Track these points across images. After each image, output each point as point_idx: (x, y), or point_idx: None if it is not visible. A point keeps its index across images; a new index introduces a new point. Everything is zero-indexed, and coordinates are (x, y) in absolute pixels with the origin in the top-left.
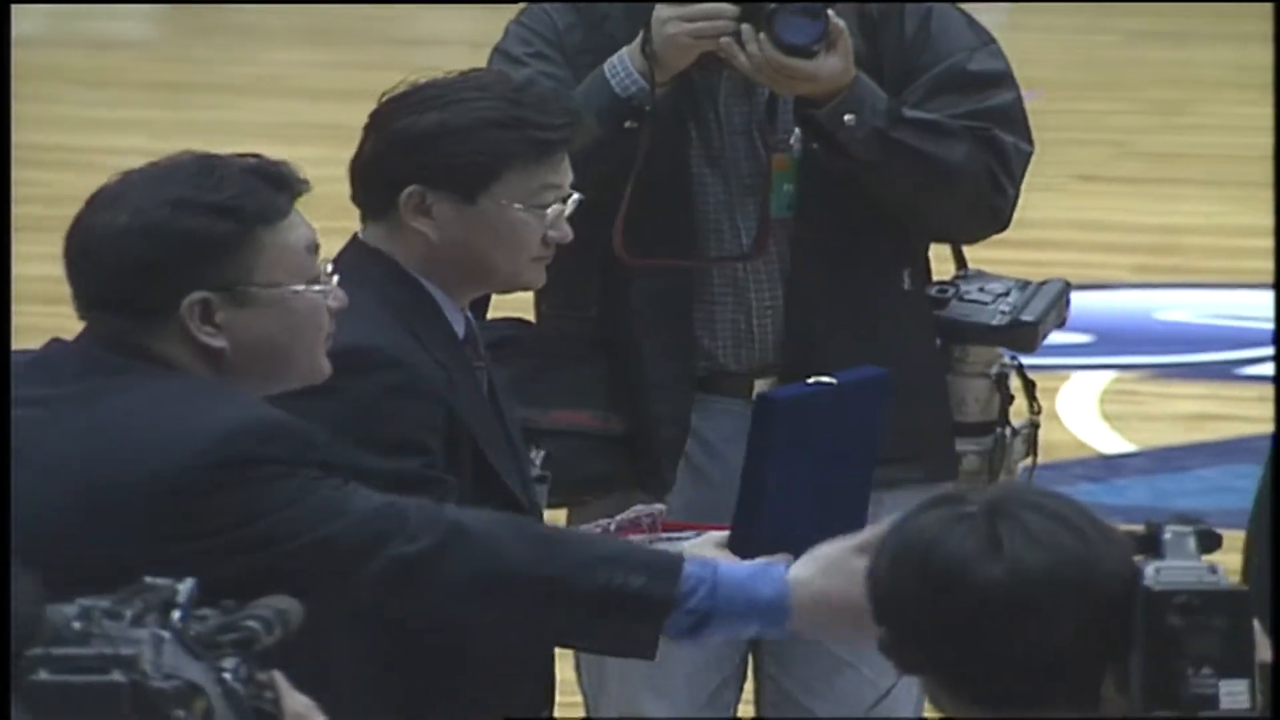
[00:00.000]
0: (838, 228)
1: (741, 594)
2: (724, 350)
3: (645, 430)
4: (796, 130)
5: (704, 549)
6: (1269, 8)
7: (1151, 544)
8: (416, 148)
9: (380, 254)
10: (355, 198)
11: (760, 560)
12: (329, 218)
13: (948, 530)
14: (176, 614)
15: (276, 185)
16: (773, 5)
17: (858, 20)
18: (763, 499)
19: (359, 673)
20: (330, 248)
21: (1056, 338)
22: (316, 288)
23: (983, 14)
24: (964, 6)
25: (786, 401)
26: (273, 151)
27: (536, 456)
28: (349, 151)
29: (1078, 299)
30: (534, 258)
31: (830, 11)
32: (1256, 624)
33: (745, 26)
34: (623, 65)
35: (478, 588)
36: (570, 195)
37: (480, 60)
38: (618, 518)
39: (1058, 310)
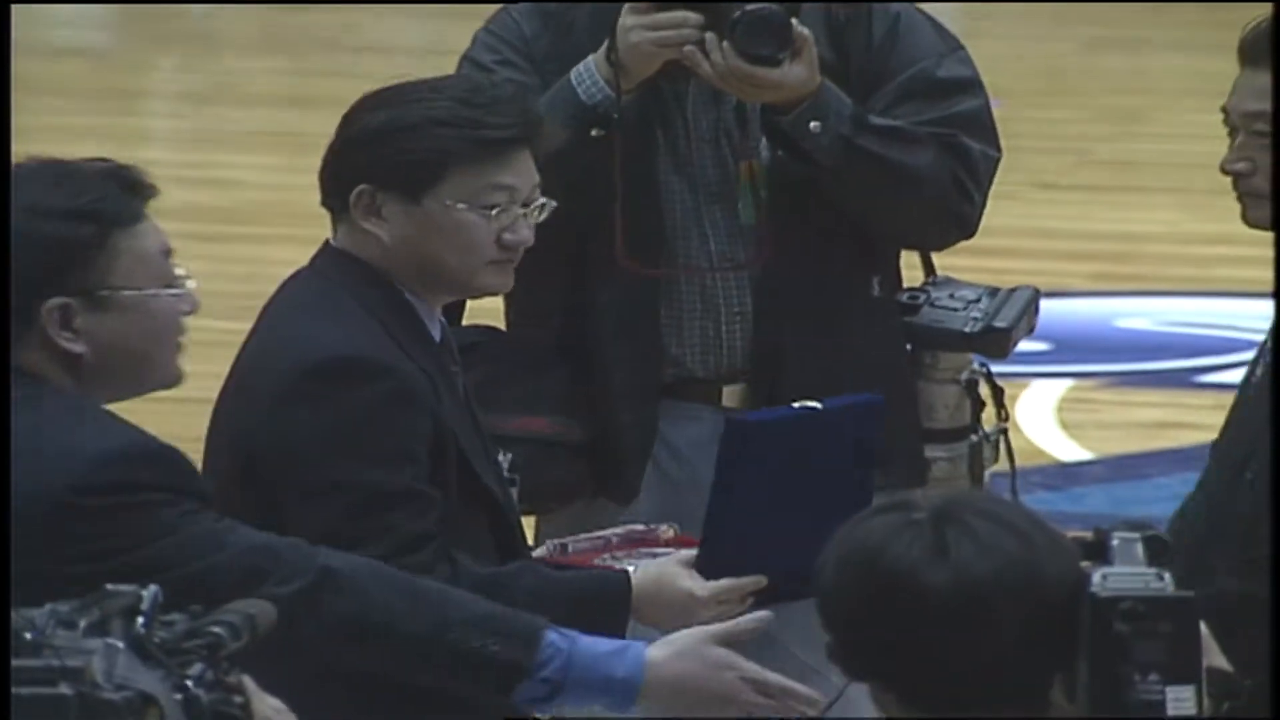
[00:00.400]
0: (806, 234)
1: (595, 670)
2: (692, 357)
3: (611, 437)
4: (764, 138)
5: (668, 566)
6: (1227, 15)
7: (1099, 550)
8: (365, 146)
9: (351, 256)
10: (323, 201)
11: (627, 636)
12: (287, 225)
13: (894, 536)
14: (139, 620)
15: (131, 189)
16: (737, 13)
17: (824, 26)
18: (729, 520)
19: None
20: (287, 254)
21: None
22: (172, 291)
23: (941, 20)
24: (927, 8)
25: (756, 426)
26: (228, 159)
27: (505, 460)
28: (306, 159)
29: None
30: (490, 261)
31: (794, 20)
32: (1205, 630)
33: (709, 35)
34: (588, 73)
35: (345, 633)
36: (532, 199)
37: (434, 66)
38: (615, 530)
39: (1028, 317)
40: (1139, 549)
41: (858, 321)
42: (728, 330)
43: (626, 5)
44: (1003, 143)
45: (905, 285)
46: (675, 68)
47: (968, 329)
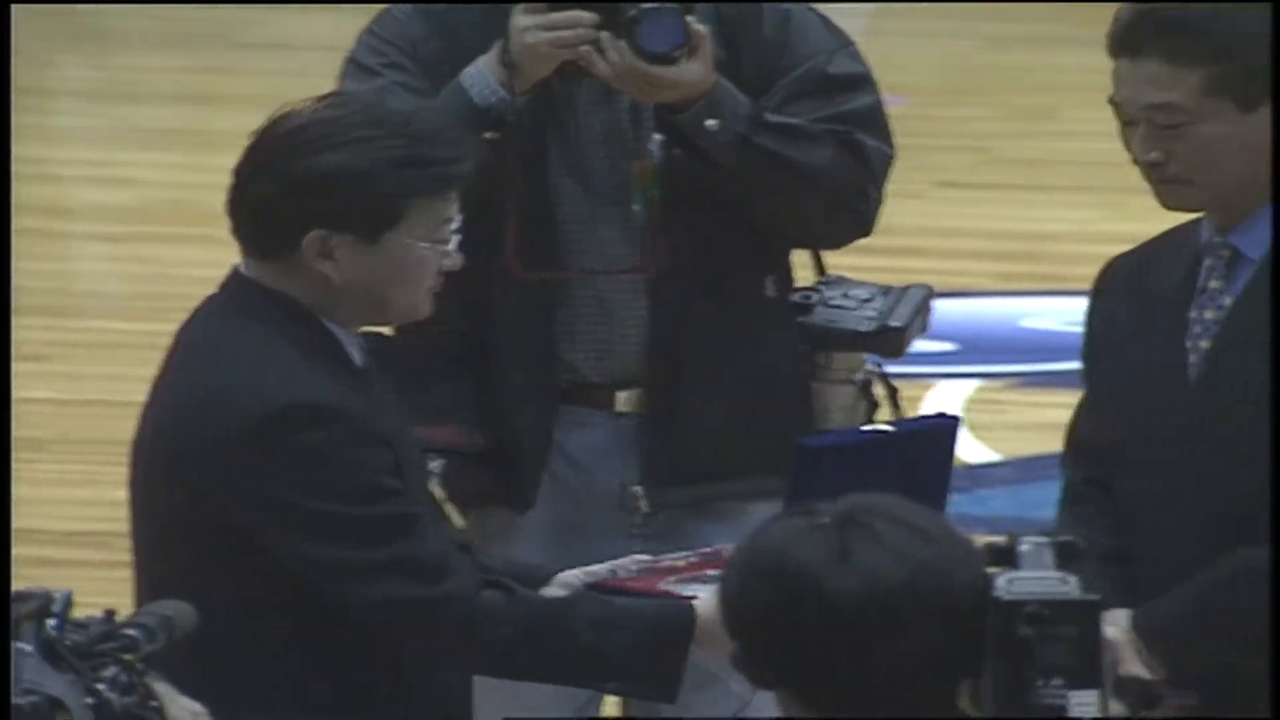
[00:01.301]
0: (701, 235)
1: None
2: (586, 362)
3: (510, 445)
4: (658, 137)
5: None
6: None
7: (1008, 555)
8: (317, 192)
9: (272, 291)
10: (239, 234)
11: None
12: (187, 224)
13: (799, 541)
14: (50, 624)
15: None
16: (632, 12)
17: (715, 24)
18: None
19: (284, 678)
20: (187, 253)
21: (921, 346)
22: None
23: (845, 18)
24: (824, 9)
25: (829, 450)
26: (127, 157)
27: (437, 466)
28: (204, 157)
29: (942, 307)
30: (428, 289)
31: (691, 17)
32: (1129, 637)
33: (605, 34)
34: (480, 75)
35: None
36: (456, 221)
37: (332, 62)
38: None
39: (922, 316)
40: (1049, 554)
41: (752, 323)
42: (622, 334)
43: (520, 6)
44: (907, 141)
45: (797, 285)
46: (568, 68)
47: (862, 328)
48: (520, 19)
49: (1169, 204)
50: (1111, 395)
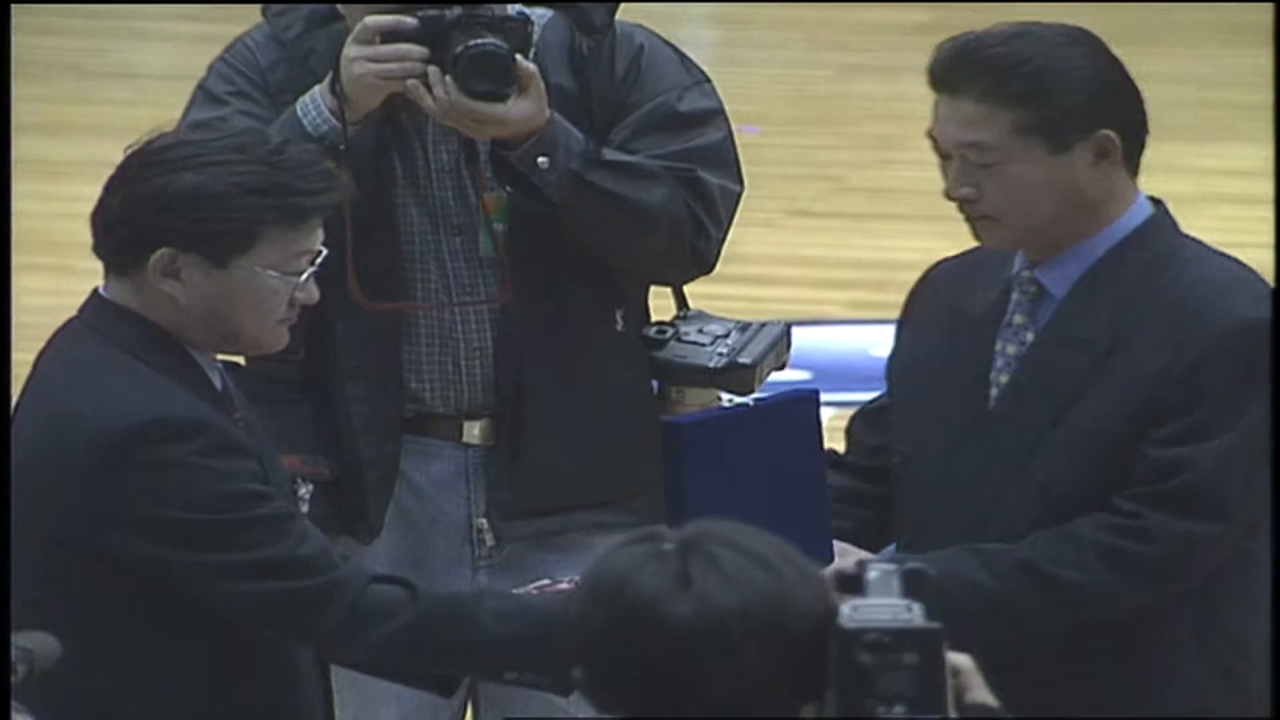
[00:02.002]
0: (547, 268)
1: None
2: (431, 392)
3: (352, 474)
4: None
5: None
6: None
7: (856, 583)
8: (169, 210)
9: (128, 312)
10: (98, 250)
11: None
12: (35, 253)
13: (639, 567)
14: None
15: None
16: (459, 48)
17: (567, 56)
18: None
19: (175, 687)
20: (36, 282)
21: (776, 375)
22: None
23: (695, 48)
24: (681, 32)
25: (690, 426)
26: None
27: (306, 491)
28: (54, 186)
29: (795, 335)
30: (279, 320)
31: (518, 56)
32: (970, 663)
33: (433, 69)
34: (314, 103)
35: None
36: (320, 254)
37: (181, 92)
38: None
39: (777, 352)
40: (895, 581)
41: (600, 355)
42: (467, 365)
43: (351, 35)
44: (760, 170)
45: (654, 319)
46: (395, 100)
47: (712, 364)
48: (349, 49)
49: (981, 239)
50: (912, 408)
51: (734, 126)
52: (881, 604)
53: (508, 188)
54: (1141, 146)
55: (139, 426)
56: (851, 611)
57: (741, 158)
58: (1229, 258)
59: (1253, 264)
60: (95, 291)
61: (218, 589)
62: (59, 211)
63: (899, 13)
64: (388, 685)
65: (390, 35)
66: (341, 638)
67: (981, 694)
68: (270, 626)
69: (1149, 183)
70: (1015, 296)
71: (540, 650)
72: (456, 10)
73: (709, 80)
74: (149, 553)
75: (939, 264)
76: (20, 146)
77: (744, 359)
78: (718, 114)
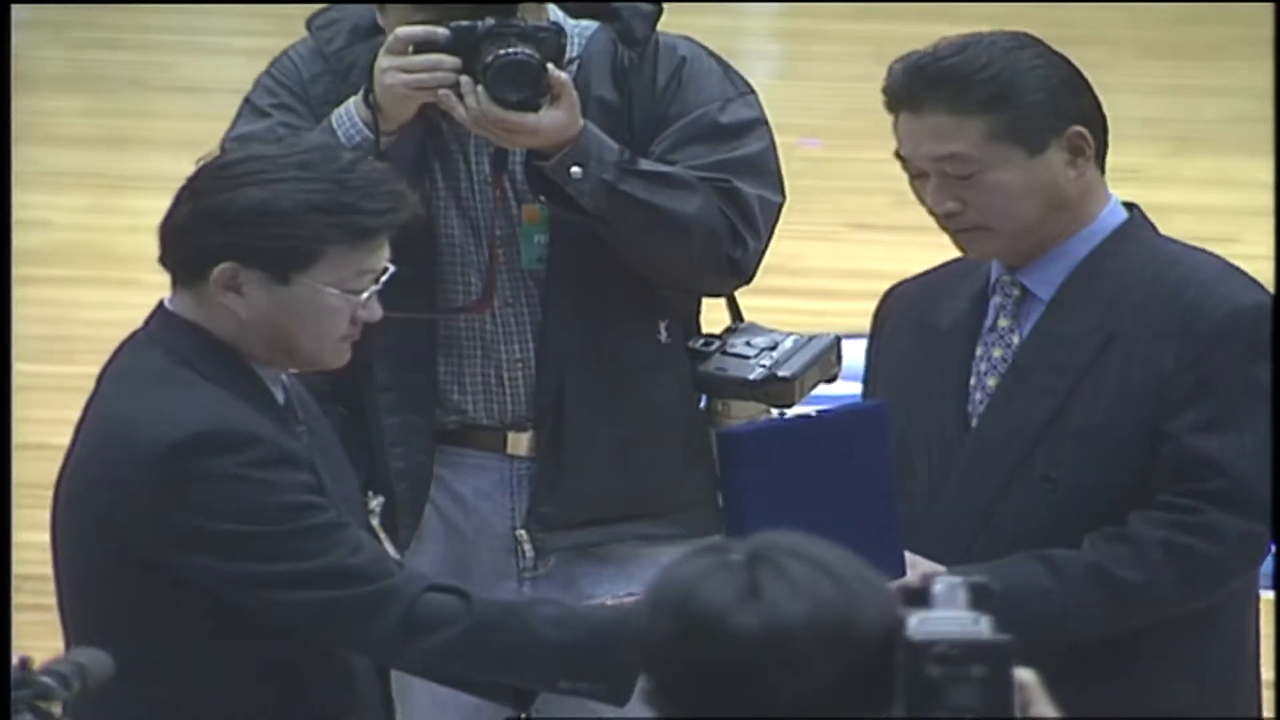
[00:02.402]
0: (589, 279)
1: None
2: (474, 404)
3: (384, 486)
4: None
5: None
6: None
7: (922, 596)
8: (234, 224)
9: (190, 324)
10: (165, 261)
11: None
12: (95, 267)
13: (707, 578)
14: None
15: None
16: (490, 58)
17: (609, 67)
18: (753, 532)
19: (227, 698)
20: (96, 295)
21: (830, 389)
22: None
23: (758, 61)
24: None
25: (746, 436)
26: (35, 200)
27: (375, 504)
28: (114, 199)
29: (852, 349)
30: (340, 338)
31: (550, 65)
32: (1033, 678)
33: (464, 79)
34: (348, 115)
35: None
36: (385, 272)
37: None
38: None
39: (823, 365)
40: (962, 594)
41: (643, 367)
42: (510, 376)
43: (384, 46)
44: (822, 183)
45: (705, 331)
46: (428, 110)
47: (751, 376)
48: (382, 60)
49: (970, 252)
50: (894, 429)
51: (796, 140)
52: (949, 616)
53: (541, 198)
54: (1106, 142)
55: (187, 439)
56: (919, 624)
57: (803, 171)
58: (1210, 253)
59: None
60: (161, 303)
61: (268, 599)
62: (117, 225)
63: (961, 27)
64: (447, 695)
65: (422, 46)
66: (395, 645)
67: (1045, 709)
68: (324, 635)
69: (1208, 195)
70: (997, 300)
71: (594, 659)
72: (489, 21)
73: (753, 91)
74: (200, 564)
75: (898, 285)
76: (82, 160)
77: (783, 372)
78: (759, 124)
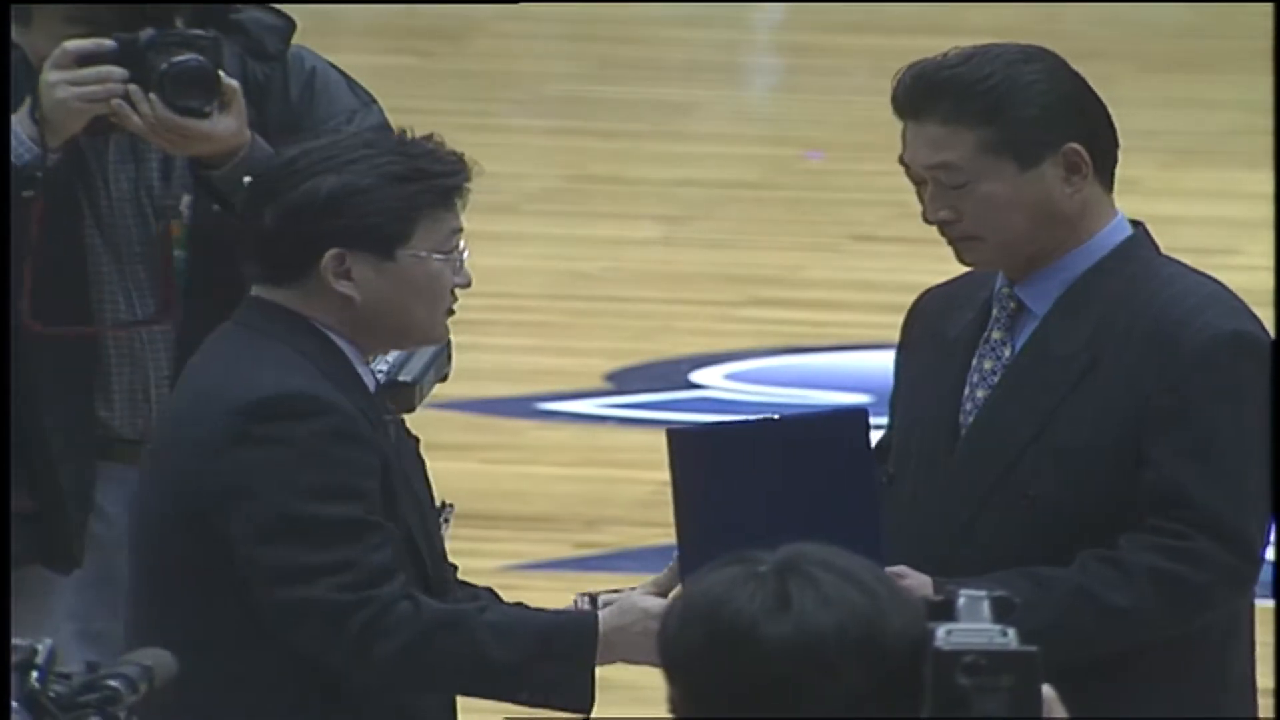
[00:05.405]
0: (228, 294)
1: None
2: (120, 419)
3: (54, 506)
4: (187, 197)
5: (630, 594)
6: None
7: (946, 609)
8: (327, 211)
9: (285, 309)
10: (256, 264)
11: None
12: None
13: (736, 588)
14: (35, 675)
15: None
16: (164, 65)
17: (241, 82)
18: (700, 532)
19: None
20: None
21: (836, 398)
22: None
23: (759, 74)
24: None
25: (693, 436)
26: None
27: (446, 512)
28: None
29: (855, 359)
30: (445, 308)
31: (221, 72)
32: (1048, 687)
33: (134, 87)
34: (13, 134)
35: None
36: (461, 230)
37: None
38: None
39: (437, 366)
40: (985, 607)
41: None
42: (157, 391)
43: (48, 61)
44: (823, 195)
45: None
46: (97, 124)
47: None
48: (49, 74)
49: (965, 260)
50: (901, 431)
51: (799, 153)
52: (976, 628)
53: (215, 207)
54: (1113, 160)
55: (270, 398)
56: (947, 635)
57: (805, 183)
58: (1205, 276)
59: None
60: (250, 296)
61: (269, 583)
62: None
63: (961, 39)
64: None
65: (88, 58)
66: (347, 658)
67: (1060, 714)
68: (287, 626)
69: (1207, 207)
70: (994, 312)
71: (548, 667)
72: (150, 31)
73: (375, 101)
74: (240, 530)
75: (928, 291)
76: None
77: (404, 377)
78: (384, 131)
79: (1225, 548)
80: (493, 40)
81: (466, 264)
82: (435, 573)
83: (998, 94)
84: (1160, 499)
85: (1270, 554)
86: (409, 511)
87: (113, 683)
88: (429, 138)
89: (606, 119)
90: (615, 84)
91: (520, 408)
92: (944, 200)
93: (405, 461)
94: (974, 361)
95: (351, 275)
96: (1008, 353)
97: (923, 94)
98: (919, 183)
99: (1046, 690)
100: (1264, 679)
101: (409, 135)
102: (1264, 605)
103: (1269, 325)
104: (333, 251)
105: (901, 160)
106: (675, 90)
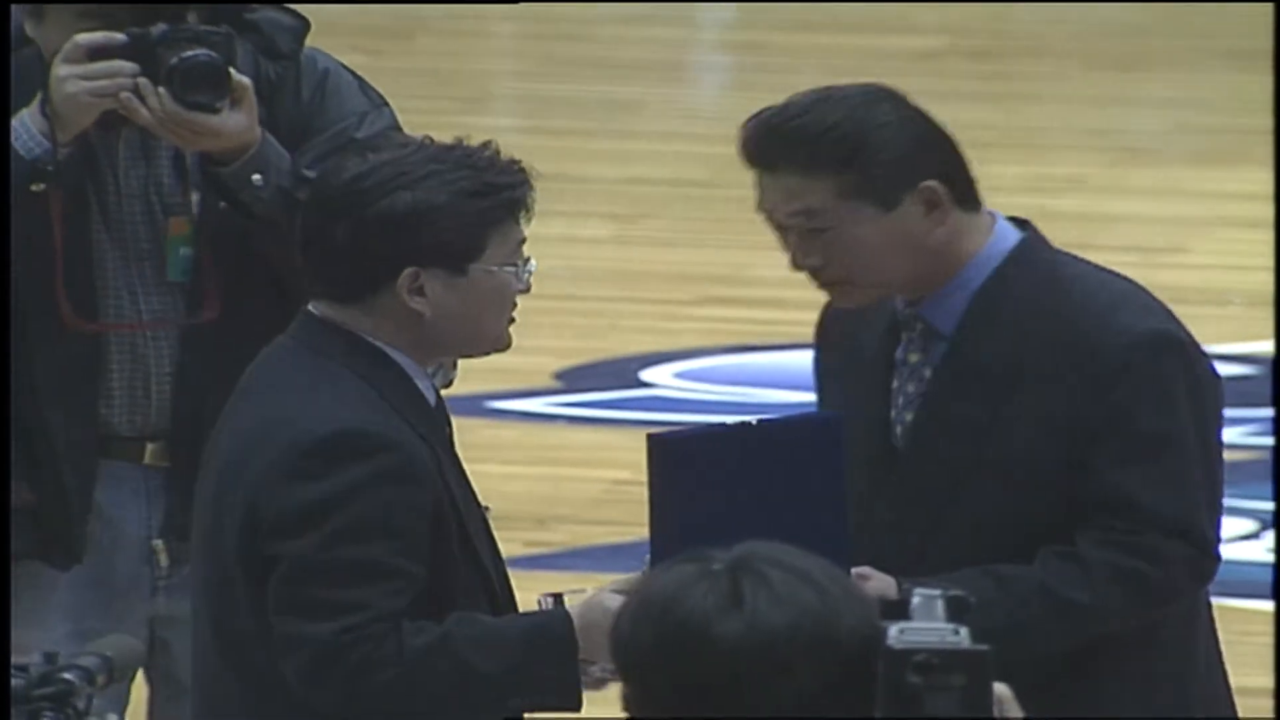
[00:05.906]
0: (233, 291)
1: None
2: (119, 416)
3: (55, 502)
4: (196, 195)
5: (596, 592)
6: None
7: (901, 608)
8: (403, 230)
9: (341, 328)
10: (321, 281)
11: None
12: None
13: (689, 587)
14: None
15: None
16: (174, 60)
17: (255, 84)
18: (673, 536)
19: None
20: None
21: (787, 397)
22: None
23: (707, 73)
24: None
25: (673, 441)
26: None
27: (488, 512)
28: None
29: (804, 358)
30: (510, 317)
31: (232, 69)
32: (1004, 686)
33: (144, 81)
34: (24, 127)
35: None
36: (524, 240)
37: None
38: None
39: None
40: (940, 606)
41: None
42: (158, 389)
43: (59, 55)
44: None
45: None
46: (108, 119)
47: None
48: (60, 68)
49: (840, 304)
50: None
51: None
52: (929, 627)
53: (222, 204)
54: (971, 184)
55: (330, 436)
56: (899, 633)
57: (752, 181)
58: (1109, 272)
59: (1257, 287)
60: (304, 311)
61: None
62: None
63: (909, 39)
64: None
65: (99, 52)
66: (332, 698)
67: (1015, 714)
68: (283, 656)
69: (1154, 206)
70: (905, 336)
71: (534, 670)
72: (162, 26)
73: (388, 103)
74: (277, 558)
75: (828, 306)
76: None
77: None
78: (392, 132)
79: (1180, 541)
80: (441, 39)
81: (530, 269)
82: (503, 591)
83: (853, 139)
84: (1108, 504)
85: (1270, 555)
86: (476, 532)
87: (68, 676)
88: (487, 145)
89: (556, 117)
90: (565, 82)
91: (470, 406)
92: (808, 247)
93: (455, 467)
94: (895, 384)
95: (424, 292)
96: (928, 373)
97: (776, 145)
98: (780, 229)
99: (1000, 689)
100: (1264, 679)
101: (473, 147)
102: (1264, 606)
103: (1269, 325)
104: (409, 270)
105: (760, 208)
106: (625, 88)
